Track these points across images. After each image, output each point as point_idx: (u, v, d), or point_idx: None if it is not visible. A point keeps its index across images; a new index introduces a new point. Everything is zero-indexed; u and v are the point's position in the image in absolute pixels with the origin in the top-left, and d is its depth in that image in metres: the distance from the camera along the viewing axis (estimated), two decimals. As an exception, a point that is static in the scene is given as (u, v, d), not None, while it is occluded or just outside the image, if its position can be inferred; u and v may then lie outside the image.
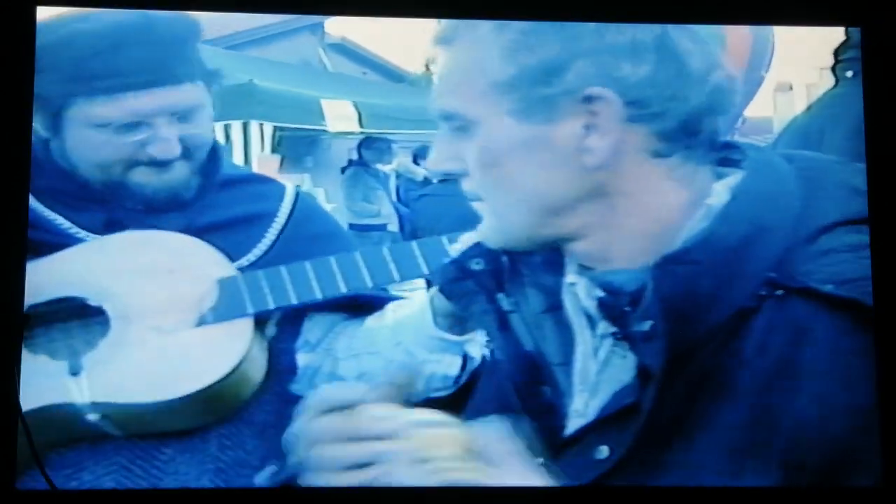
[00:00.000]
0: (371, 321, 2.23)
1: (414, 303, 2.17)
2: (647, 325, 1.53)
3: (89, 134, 2.23)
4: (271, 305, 2.14)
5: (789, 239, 1.62)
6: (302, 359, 2.28)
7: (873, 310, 1.45)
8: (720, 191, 1.57)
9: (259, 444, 2.19)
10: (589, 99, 1.59)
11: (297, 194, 2.39)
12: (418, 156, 6.41)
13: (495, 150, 1.59)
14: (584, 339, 1.75)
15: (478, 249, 1.86)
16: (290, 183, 2.42)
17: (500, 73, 1.60)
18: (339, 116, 6.24)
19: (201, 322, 2.14)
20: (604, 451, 1.68)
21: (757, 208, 1.60)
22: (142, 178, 2.24)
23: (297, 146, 6.74)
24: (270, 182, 2.48)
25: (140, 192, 2.24)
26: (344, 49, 9.21)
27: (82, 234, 2.22)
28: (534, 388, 1.78)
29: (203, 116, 2.27)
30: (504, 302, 1.82)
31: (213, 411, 2.12)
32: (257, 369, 2.17)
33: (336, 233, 2.40)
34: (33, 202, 2.20)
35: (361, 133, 6.23)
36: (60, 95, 2.23)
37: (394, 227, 5.72)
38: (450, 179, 4.98)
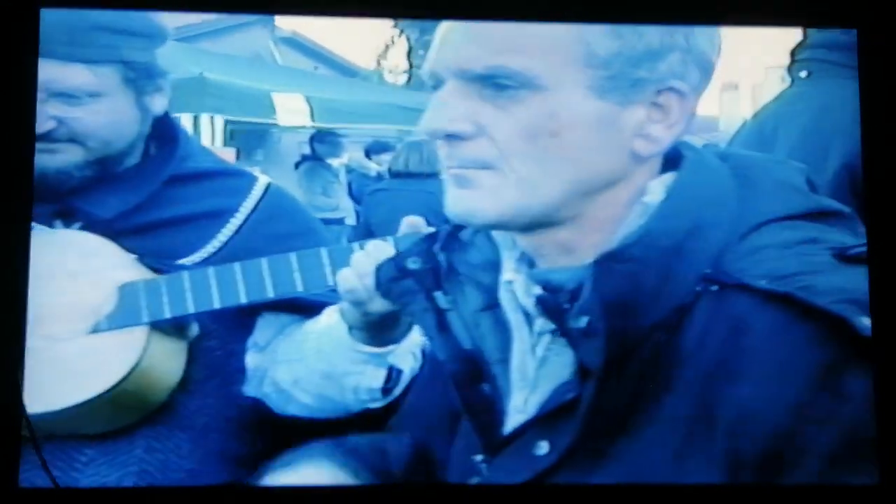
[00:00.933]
0: (308, 325, 2.00)
1: (338, 310, 1.96)
2: (583, 322, 1.51)
3: None
4: (167, 314, 1.91)
5: (725, 235, 1.52)
6: (251, 360, 2.04)
7: (806, 304, 1.45)
8: (656, 188, 1.57)
9: (196, 448, 1.98)
10: (674, 90, 1.52)
11: (267, 189, 2.11)
12: (371, 151, 6.40)
13: (560, 120, 1.55)
14: (521, 337, 1.62)
15: (415, 248, 1.73)
16: (263, 177, 2.15)
17: (601, 47, 1.53)
18: (291, 110, 6.20)
19: (95, 329, 1.89)
20: (543, 447, 1.56)
21: (693, 206, 1.53)
22: (36, 156, 1.97)
23: (247, 139, 6.66)
24: (241, 176, 2.19)
25: (36, 171, 1.97)
26: (295, 43, 9.11)
27: (36, 227, 1.98)
28: (473, 386, 1.64)
29: (105, 105, 1.98)
30: (442, 300, 1.68)
31: (122, 415, 1.92)
32: (166, 373, 1.94)
33: (305, 232, 2.10)
34: None
35: (312, 127, 6.18)
36: None
37: (351, 220, 5.70)
38: (412, 176, 4.91)
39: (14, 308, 1.87)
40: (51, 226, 1.96)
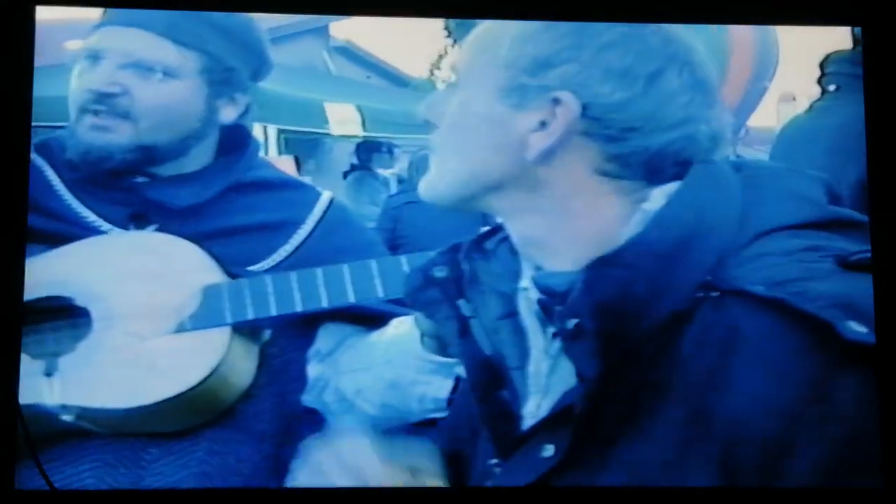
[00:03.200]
0: (374, 335, 2.05)
1: (408, 320, 2.00)
2: (571, 324, 1.54)
3: (74, 69, 2.07)
4: (250, 316, 1.96)
5: (726, 244, 1.56)
6: (312, 369, 2.09)
7: (796, 309, 1.45)
8: (656, 196, 1.58)
9: (253, 453, 2.03)
10: (556, 101, 1.58)
11: (331, 204, 2.18)
12: (418, 163, 6.41)
13: (465, 115, 1.62)
14: (537, 342, 1.67)
15: (440, 257, 1.78)
16: (327, 192, 2.21)
17: (507, 52, 1.60)
18: (343, 120, 6.23)
19: (179, 329, 1.95)
20: (549, 450, 1.60)
21: (693, 214, 1.56)
22: (81, 128, 2.04)
23: (300, 148, 6.74)
24: (305, 189, 2.27)
25: (73, 146, 2.04)
26: (348, 52, 9.21)
27: (106, 227, 2.05)
28: (493, 393, 1.69)
29: (173, 87, 2.07)
30: (465, 308, 1.73)
31: (194, 416, 1.96)
32: (241, 376, 1.99)
33: (365, 247, 2.16)
34: (66, 195, 2.06)
35: (364, 137, 6.21)
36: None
37: None
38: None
39: (11, 309, 1.91)
40: (126, 227, 2.02)
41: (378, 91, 8.47)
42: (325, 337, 2.09)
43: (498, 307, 1.72)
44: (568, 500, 1.62)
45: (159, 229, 2.03)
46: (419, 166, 5.44)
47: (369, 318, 2.04)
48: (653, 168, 1.59)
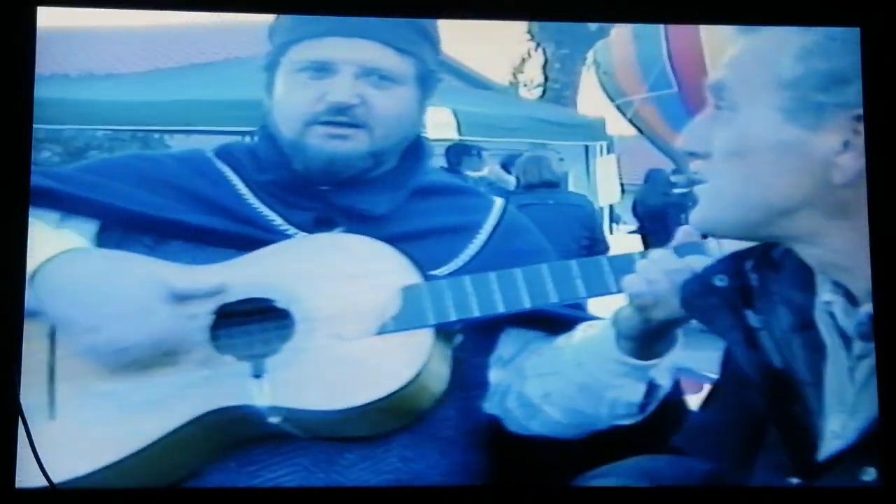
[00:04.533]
0: (561, 340, 2.10)
1: (600, 323, 2.04)
2: None
3: (290, 81, 2.15)
4: (453, 317, 2.01)
5: None
6: (494, 375, 2.15)
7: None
8: None
9: (442, 458, 2.09)
10: (859, 118, 1.59)
11: (505, 209, 2.26)
12: (507, 164, 6.43)
13: (749, 140, 1.61)
14: (838, 359, 1.69)
15: (721, 265, 1.81)
16: (498, 198, 2.29)
17: (789, 70, 1.61)
18: (439, 123, 6.26)
19: (382, 330, 2.01)
20: (871, 473, 1.64)
21: None
22: (317, 139, 2.13)
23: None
24: (479, 195, 2.38)
25: (313, 157, 2.13)
26: None
27: (292, 231, 2.12)
28: (784, 405, 1.72)
29: (400, 93, 2.15)
30: (752, 318, 1.76)
31: (391, 421, 2.00)
32: (438, 380, 2.04)
33: (541, 250, 2.23)
34: (252, 199, 2.15)
35: (459, 140, 6.25)
36: (279, 46, 2.18)
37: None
38: (543, 186, 4.97)
39: (11, 309, 1.95)
40: (311, 232, 2.10)
41: (467, 94, 8.54)
42: (507, 342, 2.16)
43: (789, 319, 1.75)
44: (570, 500, 1.62)
45: (346, 232, 2.08)
46: (526, 169, 5.48)
47: (552, 322, 2.11)
48: None
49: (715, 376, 2.01)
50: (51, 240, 1.99)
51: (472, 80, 9.22)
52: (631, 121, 9.05)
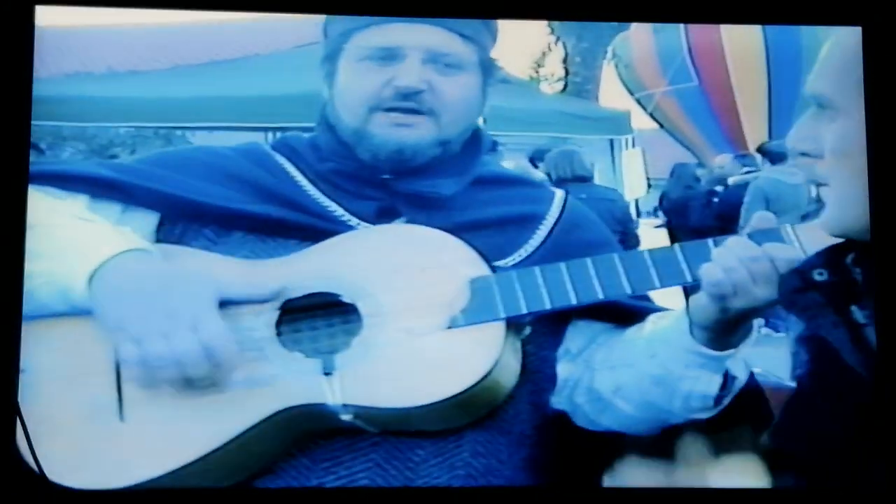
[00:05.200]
0: (632, 331, 1.90)
1: (673, 314, 1.85)
2: None
3: (353, 68, 1.95)
4: (524, 309, 1.78)
5: None
6: (562, 369, 1.93)
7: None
8: None
9: (513, 455, 1.87)
10: None
11: (566, 200, 2.05)
12: (535, 158, 6.39)
13: (852, 140, 1.58)
14: None
15: (819, 259, 1.60)
16: (559, 189, 2.10)
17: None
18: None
19: (452, 324, 1.76)
20: None
21: None
22: (382, 127, 1.90)
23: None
24: (539, 186, 2.22)
25: (381, 145, 1.90)
26: None
27: (354, 221, 1.91)
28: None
29: (464, 80, 1.95)
30: (858, 314, 1.55)
31: (464, 416, 1.80)
32: (510, 374, 1.81)
33: (606, 242, 2.02)
34: (312, 190, 1.95)
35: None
36: (342, 34, 1.96)
37: None
38: (575, 181, 4.94)
39: (10, 309, 1.77)
40: (373, 222, 1.90)
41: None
42: (575, 335, 1.94)
43: None
44: (569, 500, 1.60)
45: (409, 222, 1.90)
46: (558, 164, 5.40)
47: (621, 314, 1.91)
48: None
49: (789, 383, 1.90)
50: (110, 238, 1.81)
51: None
52: (651, 114, 9.04)
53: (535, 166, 6.41)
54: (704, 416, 1.81)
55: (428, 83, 1.87)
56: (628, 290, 1.77)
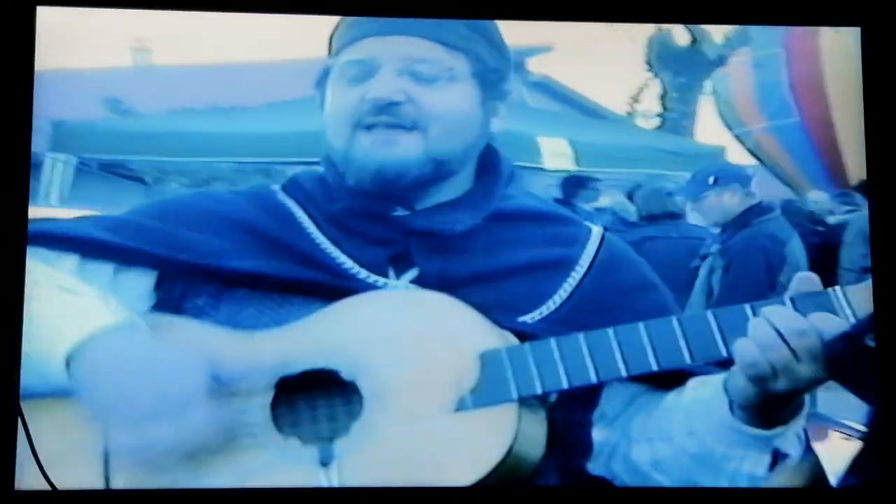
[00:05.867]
0: (671, 398, 1.75)
1: (714, 382, 1.68)
2: None
3: (335, 88, 1.86)
4: (538, 389, 1.66)
5: None
6: (599, 434, 1.80)
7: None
8: None
9: None
10: None
11: (603, 238, 1.89)
12: (632, 194, 6.35)
13: None
14: None
15: (869, 323, 1.52)
16: (596, 227, 1.93)
17: None
18: (556, 154, 6.25)
19: (460, 407, 1.65)
20: None
21: None
22: (362, 148, 1.78)
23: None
24: (572, 223, 1.96)
25: (362, 167, 1.78)
26: (545, 87, 9.21)
27: (363, 273, 1.78)
28: None
29: (454, 91, 1.81)
30: None
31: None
32: (534, 446, 1.70)
33: (645, 285, 1.87)
34: (319, 237, 1.84)
35: (577, 171, 6.21)
36: (333, 53, 1.88)
37: None
38: (666, 218, 4.95)
39: (10, 308, 1.76)
40: (385, 273, 1.78)
41: (583, 124, 8.50)
42: (611, 398, 1.81)
43: None
44: (567, 500, 1.59)
45: (422, 272, 1.77)
46: (648, 200, 5.37)
47: (659, 377, 1.75)
48: None
49: (861, 429, 1.77)
50: (91, 313, 1.72)
51: (588, 109, 9.20)
52: (750, 151, 8.89)
53: (632, 202, 6.37)
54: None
55: (405, 94, 1.76)
56: (654, 367, 1.63)
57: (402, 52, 1.78)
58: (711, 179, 4.61)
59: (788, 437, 1.62)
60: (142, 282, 1.80)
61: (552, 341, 1.65)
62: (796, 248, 4.77)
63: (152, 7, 2.03)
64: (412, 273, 1.77)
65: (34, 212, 1.87)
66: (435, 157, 1.77)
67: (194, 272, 1.78)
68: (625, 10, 1.94)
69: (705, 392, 1.65)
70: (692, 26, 7.87)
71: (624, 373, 1.62)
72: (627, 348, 1.62)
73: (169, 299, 1.79)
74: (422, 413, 1.64)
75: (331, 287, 1.74)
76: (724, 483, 1.64)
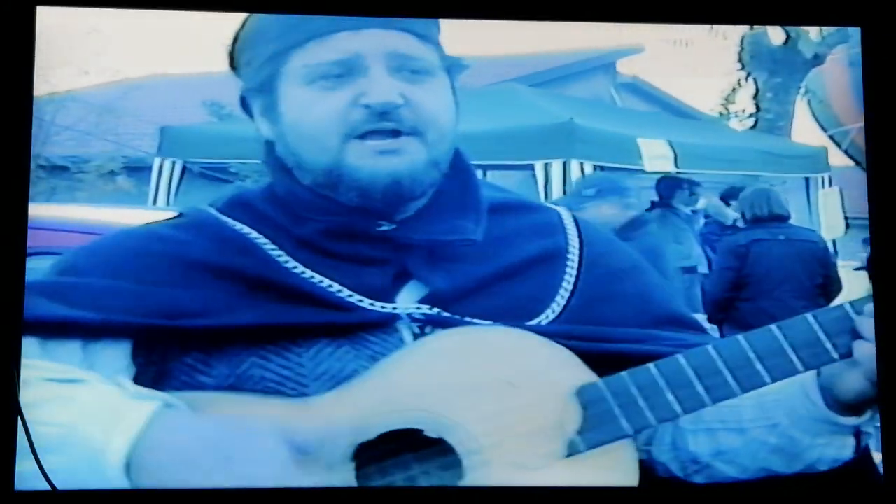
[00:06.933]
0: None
1: (796, 381, 1.60)
2: None
3: (305, 93, 1.63)
4: (652, 420, 1.56)
5: None
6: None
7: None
8: None
9: None
10: None
11: (577, 221, 1.77)
12: (728, 196, 6.28)
13: None
14: None
15: None
16: (562, 208, 1.81)
17: None
18: (657, 156, 6.18)
19: (572, 451, 1.54)
20: None
21: None
22: (362, 160, 1.59)
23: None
24: (539, 208, 1.84)
25: (367, 181, 1.59)
26: (635, 88, 9.16)
27: (366, 301, 1.61)
28: None
29: (436, 86, 1.65)
30: None
31: None
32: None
33: (634, 266, 1.78)
34: (298, 266, 1.63)
35: (677, 173, 6.14)
36: (273, 57, 1.65)
37: (703, 268, 5.64)
38: (772, 220, 4.94)
39: (10, 308, 1.71)
40: (389, 297, 1.61)
41: (683, 126, 8.37)
42: None
43: None
44: (567, 500, 1.61)
45: (431, 291, 1.62)
46: (753, 202, 5.34)
47: None
48: None
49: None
50: (116, 399, 1.53)
51: (679, 110, 9.09)
52: (846, 151, 8.65)
53: (728, 204, 6.29)
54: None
55: (403, 96, 1.59)
56: (767, 380, 1.55)
57: (386, 46, 1.61)
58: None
59: (873, 421, 1.58)
60: (115, 355, 1.60)
61: (651, 367, 1.55)
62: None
63: (152, 8, 1.94)
64: (418, 292, 1.62)
65: (137, 214, 1.83)
66: (435, 162, 1.63)
67: (174, 335, 1.59)
68: (625, 10, 1.97)
69: (788, 390, 1.59)
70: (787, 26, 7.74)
71: (738, 391, 1.54)
72: (733, 363, 1.55)
73: (150, 364, 1.59)
74: (530, 464, 1.54)
75: (337, 324, 1.59)
76: (798, 467, 1.59)
